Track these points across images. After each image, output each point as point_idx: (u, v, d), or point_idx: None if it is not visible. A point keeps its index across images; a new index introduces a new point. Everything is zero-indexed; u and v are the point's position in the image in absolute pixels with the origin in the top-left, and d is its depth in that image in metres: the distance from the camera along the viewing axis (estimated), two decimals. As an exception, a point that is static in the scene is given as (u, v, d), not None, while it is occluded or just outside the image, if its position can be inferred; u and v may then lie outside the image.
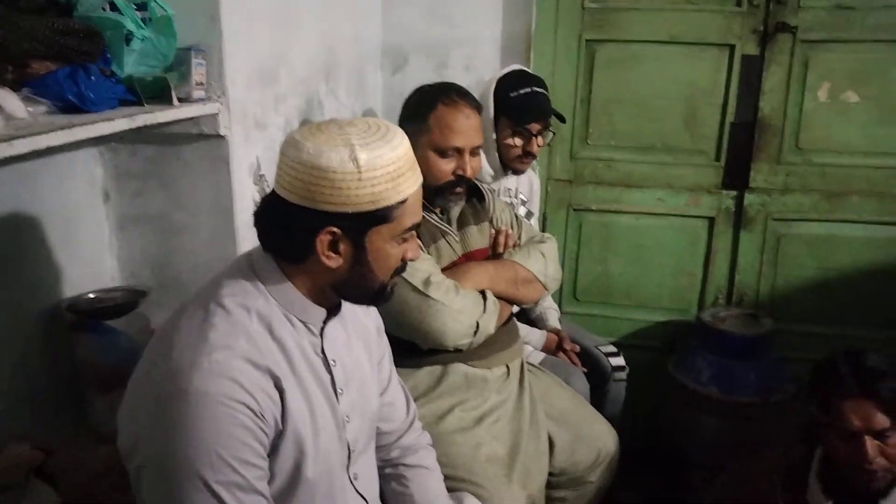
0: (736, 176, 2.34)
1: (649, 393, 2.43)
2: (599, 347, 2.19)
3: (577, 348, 2.12)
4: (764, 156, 2.31)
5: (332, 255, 0.99)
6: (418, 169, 1.05)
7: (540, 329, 2.17)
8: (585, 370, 2.11)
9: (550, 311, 2.26)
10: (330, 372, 1.08)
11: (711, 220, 2.40)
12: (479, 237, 1.76)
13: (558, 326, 2.21)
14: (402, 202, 1.00)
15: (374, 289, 1.06)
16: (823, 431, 1.53)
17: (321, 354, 1.07)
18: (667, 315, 2.51)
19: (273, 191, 1.01)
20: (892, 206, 2.28)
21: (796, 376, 2.16)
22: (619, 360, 2.17)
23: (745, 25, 2.23)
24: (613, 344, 2.23)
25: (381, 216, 0.99)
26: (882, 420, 1.43)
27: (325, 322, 1.08)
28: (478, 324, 1.57)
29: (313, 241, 0.98)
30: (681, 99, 2.32)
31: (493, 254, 1.74)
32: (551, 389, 1.87)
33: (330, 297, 1.07)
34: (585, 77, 2.36)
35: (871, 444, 1.44)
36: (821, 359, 1.56)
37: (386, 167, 0.97)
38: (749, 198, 2.34)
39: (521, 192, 2.25)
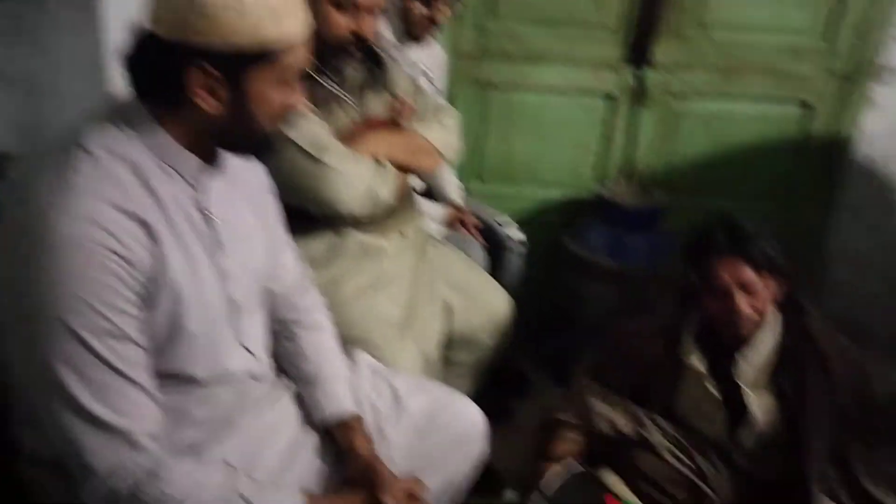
0: (638, 52, 2.36)
1: (547, 266, 2.52)
2: (499, 222, 2.24)
3: (479, 223, 2.17)
4: (667, 31, 2.33)
5: (207, 97, 0.94)
6: (307, 12, 1.00)
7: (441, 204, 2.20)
8: (487, 245, 2.17)
9: (452, 186, 2.28)
10: (211, 227, 1.05)
11: (612, 98, 2.43)
12: (376, 105, 1.72)
13: (459, 202, 2.24)
14: (287, 44, 0.95)
15: (256, 137, 1.02)
16: (697, 291, 1.65)
17: (201, 209, 1.04)
18: (567, 192, 2.58)
19: (144, 28, 0.94)
20: (785, 84, 2.37)
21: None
22: (519, 234, 2.23)
23: None
24: (516, 221, 2.28)
25: (262, 55, 0.93)
26: (750, 276, 1.56)
27: (204, 176, 1.04)
28: (374, 192, 1.56)
29: (185, 79, 0.92)
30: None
31: (393, 124, 1.72)
32: (450, 258, 1.92)
33: (207, 147, 1.02)
34: (492, -55, 2.29)
35: (739, 297, 1.58)
36: (696, 224, 1.67)
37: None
38: (651, 75, 2.37)
39: (424, 65, 2.20)
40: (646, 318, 1.85)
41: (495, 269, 2.16)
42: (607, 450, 1.79)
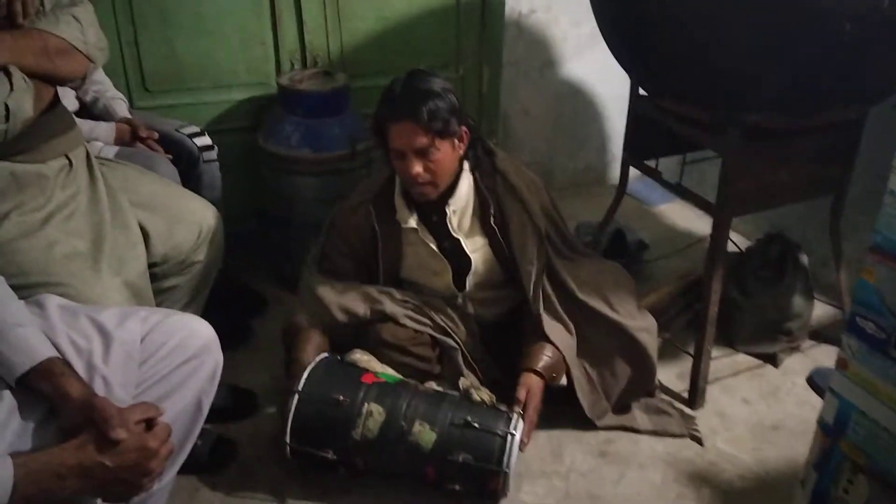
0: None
1: (247, 172, 2.38)
2: (181, 130, 2.03)
3: (156, 135, 1.94)
4: None
5: None
6: None
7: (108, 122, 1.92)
8: (170, 156, 1.95)
9: (116, 101, 2.01)
10: None
11: (270, -22, 2.29)
12: (-17, 5, 1.40)
13: (129, 116, 1.97)
14: None
15: None
16: (385, 153, 1.67)
17: None
18: (248, 91, 2.41)
19: None
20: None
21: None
22: (205, 140, 2.05)
23: None
24: (201, 130, 2.08)
25: None
26: (421, 140, 1.60)
27: None
28: (6, 106, 1.29)
29: None
30: None
31: (11, 25, 1.41)
32: (132, 177, 1.69)
33: None
34: None
35: (414, 160, 1.61)
36: (385, 84, 1.66)
37: None
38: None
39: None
40: (356, 194, 1.84)
41: (189, 182, 1.97)
42: (352, 332, 1.80)
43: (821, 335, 2.22)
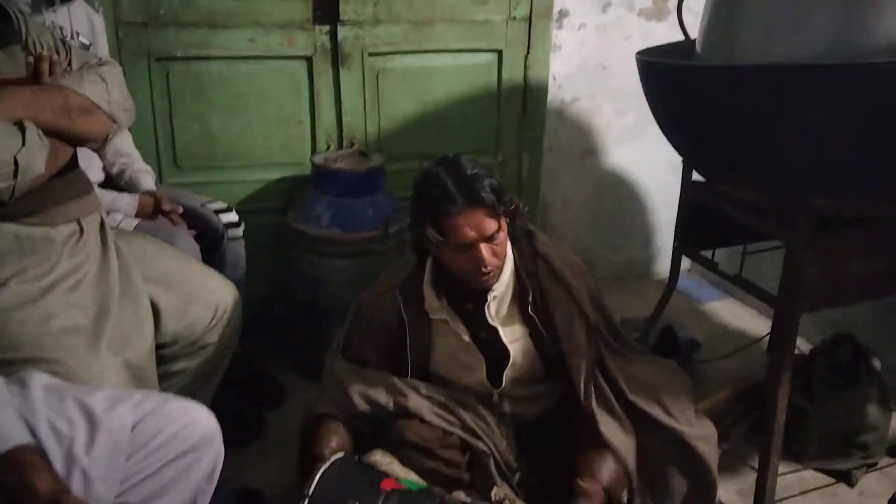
0: (326, 9, 2.21)
1: (275, 251, 2.28)
2: (207, 205, 1.95)
3: (179, 208, 1.85)
4: (351, -14, 2.21)
5: None
6: None
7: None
8: (194, 232, 1.86)
9: (143, 173, 1.94)
10: None
11: (309, 60, 2.25)
12: (8, 64, 1.34)
13: (153, 188, 1.90)
14: None
15: None
16: (438, 249, 1.54)
17: None
18: (281, 171, 2.35)
19: None
20: (473, 33, 2.38)
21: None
22: (232, 216, 1.97)
23: None
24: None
25: None
26: (490, 225, 1.47)
27: None
28: (16, 160, 1.20)
29: None
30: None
31: (35, 82, 1.35)
32: (149, 251, 1.60)
33: None
34: None
35: (484, 248, 1.48)
36: (420, 177, 1.53)
37: None
38: (342, 31, 2.23)
39: (78, 31, 1.83)
40: (382, 280, 1.71)
41: (213, 259, 1.87)
42: (375, 429, 1.62)
43: (902, 453, 1.97)
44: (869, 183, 1.47)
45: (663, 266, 3.03)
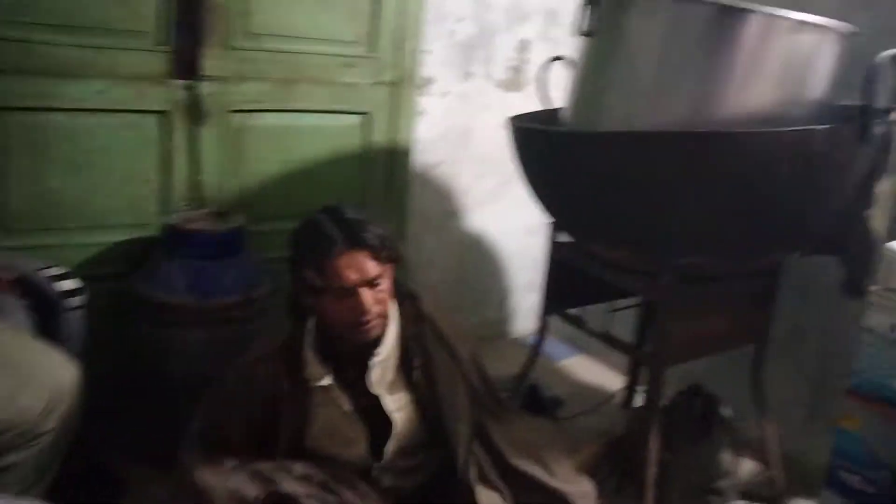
0: (187, 64, 2.09)
1: (119, 324, 2.05)
2: (41, 271, 1.72)
3: (11, 275, 1.62)
4: (216, 41, 2.10)
5: None
6: None
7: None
8: (25, 302, 1.63)
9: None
10: None
11: (164, 115, 2.10)
12: None
13: (-27, 253, 1.65)
14: None
15: None
16: (317, 298, 1.45)
17: None
18: (125, 232, 2.14)
19: None
20: (343, 94, 2.35)
21: (275, 270, 2.08)
22: (70, 284, 1.74)
23: None
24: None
25: None
26: (373, 268, 1.42)
27: None
28: None
29: None
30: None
31: None
32: (-31, 324, 1.37)
33: None
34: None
35: (366, 294, 1.42)
36: (300, 225, 1.48)
37: None
38: (205, 89, 2.11)
39: None
40: (253, 350, 1.58)
41: (47, 332, 1.64)
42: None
43: (752, 495, 2.09)
44: (725, 243, 1.59)
45: (520, 325, 3.10)
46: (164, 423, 1.92)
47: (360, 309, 1.42)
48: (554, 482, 1.57)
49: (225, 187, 2.24)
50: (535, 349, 2.20)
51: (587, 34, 1.63)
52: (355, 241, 1.40)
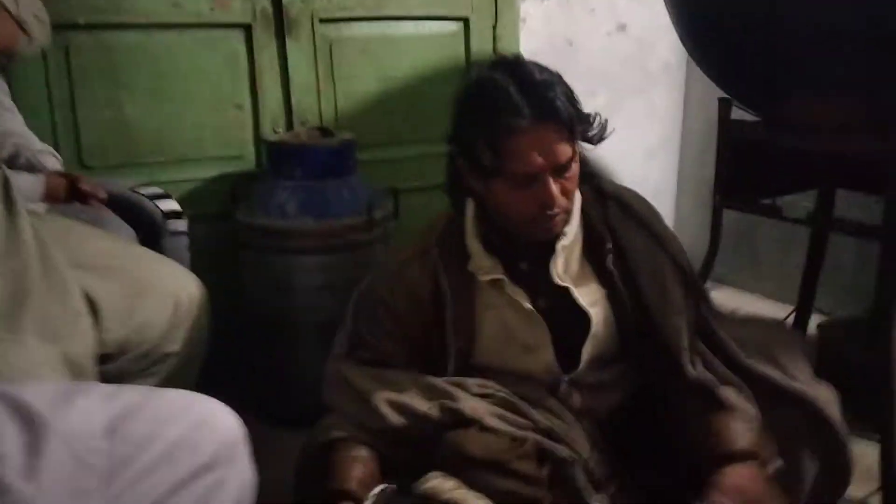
0: (267, -35, 1.83)
1: (217, 267, 1.78)
2: (138, 190, 1.47)
3: (103, 192, 1.37)
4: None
5: None
6: None
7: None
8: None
9: (45, 154, 1.45)
10: None
11: (248, 29, 1.84)
12: None
13: (60, 167, 1.41)
14: None
15: None
16: (486, 182, 1.15)
17: None
18: (217, 167, 1.89)
19: None
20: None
21: (391, 195, 1.80)
22: (171, 204, 1.49)
23: None
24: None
25: None
26: (564, 150, 1.09)
27: None
28: None
29: None
30: None
31: None
32: (74, 231, 1.11)
33: None
34: None
35: (553, 182, 1.10)
36: (469, 87, 1.14)
37: None
38: (287, -6, 1.85)
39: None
40: (403, 249, 1.29)
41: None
42: (416, 449, 1.17)
43: None
44: None
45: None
46: (282, 371, 1.65)
47: (544, 201, 1.11)
48: (796, 384, 1.24)
49: (320, 110, 1.96)
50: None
51: None
52: (545, 111, 1.07)
